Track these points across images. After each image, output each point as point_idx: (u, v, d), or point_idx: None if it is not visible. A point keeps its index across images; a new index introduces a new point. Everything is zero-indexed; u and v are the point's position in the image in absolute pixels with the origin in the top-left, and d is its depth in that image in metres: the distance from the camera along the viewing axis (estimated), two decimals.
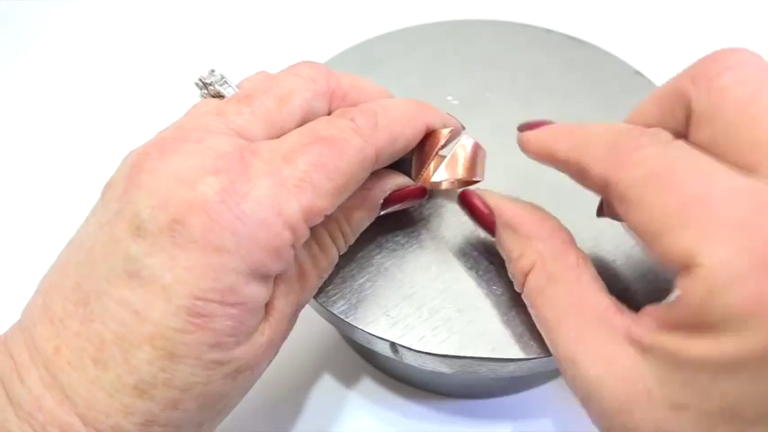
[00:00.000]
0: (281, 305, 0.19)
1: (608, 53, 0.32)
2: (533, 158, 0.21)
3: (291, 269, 0.19)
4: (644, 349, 0.16)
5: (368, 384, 0.29)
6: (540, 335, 0.21)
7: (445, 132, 0.22)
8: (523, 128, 0.22)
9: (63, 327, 0.17)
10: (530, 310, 0.20)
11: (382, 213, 0.22)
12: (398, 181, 0.22)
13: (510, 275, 0.21)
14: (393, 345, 0.21)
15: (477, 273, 0.23)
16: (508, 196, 0.21)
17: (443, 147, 0.22)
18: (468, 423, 0.28)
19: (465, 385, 0.28)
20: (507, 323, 0.21)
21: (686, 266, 0.14)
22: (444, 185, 0.24)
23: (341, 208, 0.20)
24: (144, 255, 0.16)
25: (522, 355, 0.21)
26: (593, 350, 0.17)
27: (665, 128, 0.17)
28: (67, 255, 0.18)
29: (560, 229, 0.20)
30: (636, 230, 0.16)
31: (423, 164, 0.22)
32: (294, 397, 0.28)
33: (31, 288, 0.18)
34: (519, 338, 0.21)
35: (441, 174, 0.22)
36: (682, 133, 0.17)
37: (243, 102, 0.19)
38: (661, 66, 0.33)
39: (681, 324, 0.15)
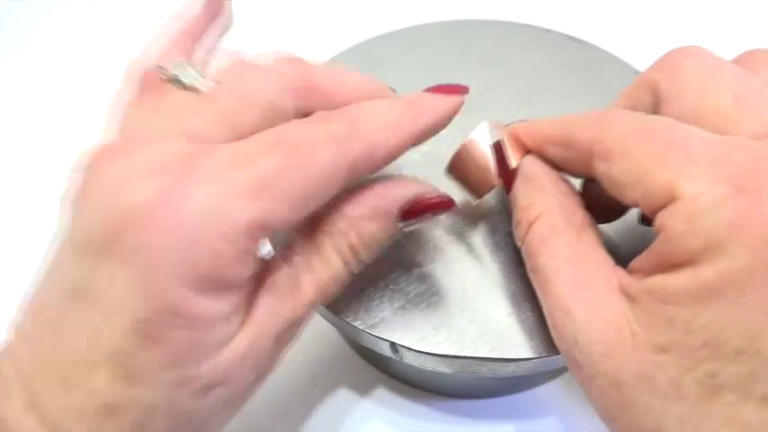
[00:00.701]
0: (263, 320, 0.17)
1: (608, 53, 0.32)
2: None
3: (282, 281, 0.18)
4: (631, 297, 0.16)
5: (367, 384, 0.29)
6: (540, 334, 0.21)
7: (483, 147, 0.21)
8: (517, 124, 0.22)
9: (38, 349, 0.16)
10: (527, 260, 0.20)
11: (407, 230, 0.20)
12: (415, 189, 0.20)
13: (513, 226, 0.21)
14: (393, 345, 0.21)
15: (477, 273, 0.23)
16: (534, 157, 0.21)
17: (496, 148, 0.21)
18: (468, 423, 0.28)
19: (465, 385, 0.28)
20: (507, 323, 0.21)
21: (667, 201, 0.15)
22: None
23: (347, 219, 0.19)
24: (88, 275, 0.15)
25: (522, 355, 0.21)
26: (586, 298, 0.17)
27: None
28: (38, 274, 0.17)
29: (573, 192, 0.20)
30: (618, 181, 0.17)
31: (485, 178, 0.21)
32: (292, 397, 0.28)
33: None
34: (519, 338, 0.21)
35: (514, 158, 0.21)
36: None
37: (204, 99, 0.18)
38: None
39: (662, 263, 0.15)
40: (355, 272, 0.20)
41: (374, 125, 0.18)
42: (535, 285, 0.20)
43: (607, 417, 0.17)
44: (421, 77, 0.31)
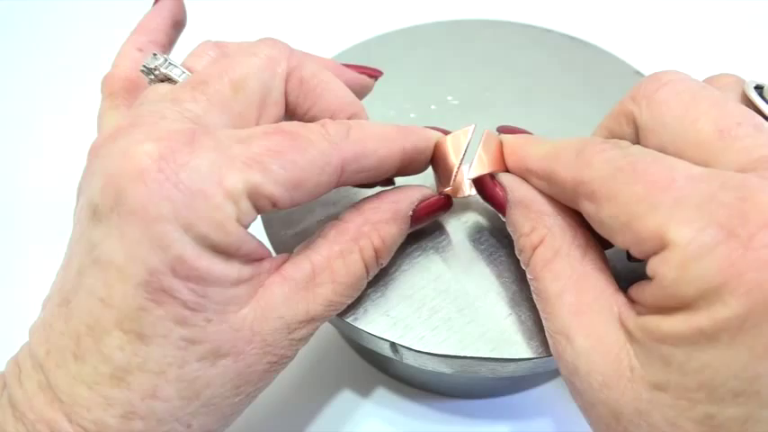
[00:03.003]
0: (274, 302, 0.18)
1: (608, 53, 0.32)
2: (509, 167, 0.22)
3: (298, 274, 0.19)
4: (628, 332, 0.16)
5: (367, 384, 0.29)
6: (540, 334, 0.21)
7: (451, 142, 0.22)
8: (503, 129, 0.23)
9: (51, 330, 0.17)
10: (531, 283, 0.20)
11: (413, 229, 0.22)
12: (425, 192, 0.22)
13: (517, 252, 0.21)
14: (393, 345, 0.21)
15: (477, 273, 0.23)
16: (520, 179, 0.21)
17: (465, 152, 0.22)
18: (468, 423, 0.28)
19: (465, 385, 0.28)
20: (507, 323, 0.21)
21: (658, 248, 0.15)
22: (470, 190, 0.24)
23: (372, 224, 0.20)
24: (101, 239, 0.16)
25: (522, 355, 0.21)
26: (587, 325, 0.17)
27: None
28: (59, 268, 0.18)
29: (570, 210, 0.20)
30: (608, 225, 0.17)
31: (448, 174, 0.22)
32: (292, 397, 0.28)
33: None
34: (519, 338, 0.21)
35: (475, 170, 0.21)
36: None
37: (197, 88, 0.19)
38: (661, 66, 0.33)
39: (657, 305, 0.16)
40: (371, 278, 0.21)
41: (366, 134, 0.20)
42: (539, 308, 0.19)
43: None
44: (421, 77, 0.31)
